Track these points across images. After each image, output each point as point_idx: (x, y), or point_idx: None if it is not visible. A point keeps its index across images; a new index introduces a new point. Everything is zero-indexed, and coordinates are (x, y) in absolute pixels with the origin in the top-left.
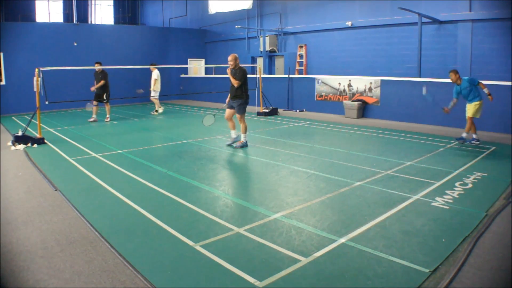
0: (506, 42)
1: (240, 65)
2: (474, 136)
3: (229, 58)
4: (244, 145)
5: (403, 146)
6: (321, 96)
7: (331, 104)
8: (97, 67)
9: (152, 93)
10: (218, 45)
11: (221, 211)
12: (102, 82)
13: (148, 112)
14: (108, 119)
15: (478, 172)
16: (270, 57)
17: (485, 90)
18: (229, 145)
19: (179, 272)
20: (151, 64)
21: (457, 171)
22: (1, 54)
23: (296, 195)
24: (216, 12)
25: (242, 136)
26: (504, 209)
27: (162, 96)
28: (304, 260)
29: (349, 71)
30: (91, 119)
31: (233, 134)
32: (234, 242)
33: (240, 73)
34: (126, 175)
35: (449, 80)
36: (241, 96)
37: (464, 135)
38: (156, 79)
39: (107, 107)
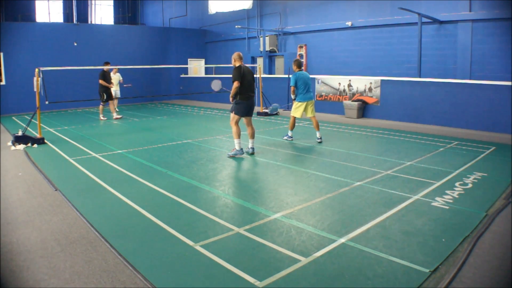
0: (506, 42)
1: None
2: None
3: None
4: None
5: (403, 146)
6: (321, 96)
7: (331, 104)
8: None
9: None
10: (218, 45)
11: (221, 211)
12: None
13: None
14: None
15: (478, 172)
16: (270, 57)
17: None
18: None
19: (179, 272)
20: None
21: (457, 171)
22: (1, 54)
23: (296, 195)
24: (216, 12)
25: None
26: (504, 209)
27: (163, 96)
28: (304, 260)
29: (349, 71)
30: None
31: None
32: (234, 242)
33: None
34: (126, 175)
35: (449, 80)
36: None
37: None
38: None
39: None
